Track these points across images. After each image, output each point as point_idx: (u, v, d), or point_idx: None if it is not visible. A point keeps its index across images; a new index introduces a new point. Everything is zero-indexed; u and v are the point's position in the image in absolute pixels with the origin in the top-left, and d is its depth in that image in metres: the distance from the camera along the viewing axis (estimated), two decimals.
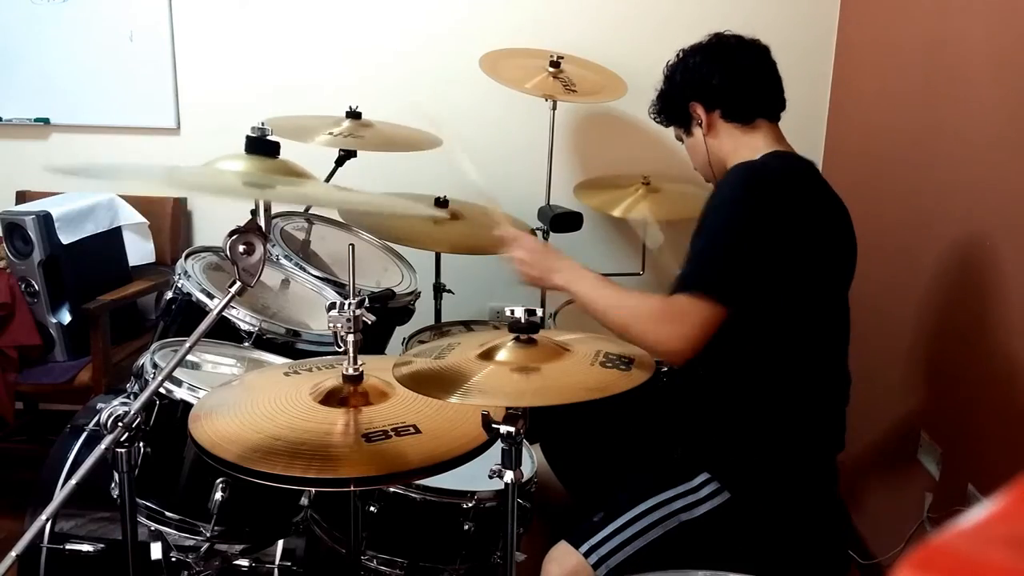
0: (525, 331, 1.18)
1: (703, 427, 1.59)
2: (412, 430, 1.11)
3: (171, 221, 2.78)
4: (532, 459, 1.73)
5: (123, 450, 1.15)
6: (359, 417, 1.15)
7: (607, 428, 1.84)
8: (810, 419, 1.54)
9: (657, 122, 1.79)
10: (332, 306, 1.16)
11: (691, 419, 1.64)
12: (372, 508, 1.55)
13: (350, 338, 1.16)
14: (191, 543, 1.49)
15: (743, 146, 1.62)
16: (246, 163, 1.14)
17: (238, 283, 1.08)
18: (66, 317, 2.40)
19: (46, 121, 2.84)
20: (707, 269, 1.45)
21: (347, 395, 1.18)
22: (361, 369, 1.19)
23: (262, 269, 1.09)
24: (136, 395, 1.36)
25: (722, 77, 1.64)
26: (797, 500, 1.53)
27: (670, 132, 1.77)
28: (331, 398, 1.18)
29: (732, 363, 1.52)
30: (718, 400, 1.58)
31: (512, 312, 1.18)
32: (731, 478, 1.49)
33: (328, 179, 2.27)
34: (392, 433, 1.10)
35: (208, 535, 1.47)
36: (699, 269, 1.45)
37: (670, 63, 1.73)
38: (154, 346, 1.59)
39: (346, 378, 1.19)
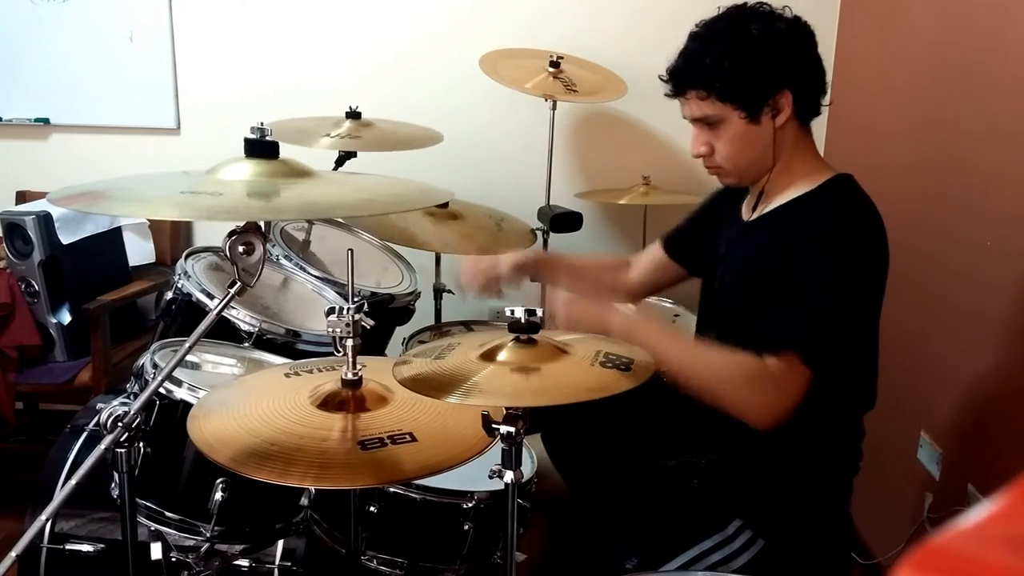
0: (525, 331, 1.18)
1: (727, 463, 1.52)
2: (408, 438, 1.11)
3: (171, 221, 2.77)
4: (532, 459, 1.72)
5: (123, 450, 1.15)
6: (356, 423, 1.14)
7: (609, 421, 1.82)
8: (839, 453, 1.51)
9: (670, 90, 1.44)
10: (331, 311, 1.15)
11: (706, 434, 1.58)
12: (372, 508, 1.55)
13: (348, 343, 1.16)
14: (191, 543, 1.49)
15: (802, 151, 1.45)
16: (249, 167, 1.13)
17: (238, 283, 1.08)
18: (66, 317, 2.39)
19: (46, 121, 2.84)
20: (813, 334, 1.33)
21: (345, 400, 1.18)
22: (360, 374, 1.19)
23: (262, 269, 1.09)
24: (136, 395, 1.36)
25: (814, 65, 1.39)
26: (821, 536, 1.52)
27: (670, 132, 1.62)
28: (329, 403, 1.17)
29: None
30: (743, 434, 1.51)
31: (512, 312, 1.18)
32: (763, 525, 1.45)
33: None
34: (388, 441, 1.10)
35: (208, 535, 1.47)
36: (804, 333, 1.33)
37: (744, 13, 1.39)
38: (154, 346, 1.59)
39: (344, 383, 1.19)
